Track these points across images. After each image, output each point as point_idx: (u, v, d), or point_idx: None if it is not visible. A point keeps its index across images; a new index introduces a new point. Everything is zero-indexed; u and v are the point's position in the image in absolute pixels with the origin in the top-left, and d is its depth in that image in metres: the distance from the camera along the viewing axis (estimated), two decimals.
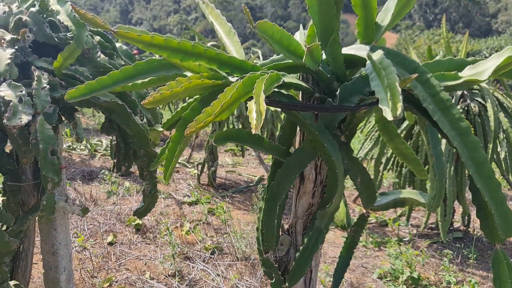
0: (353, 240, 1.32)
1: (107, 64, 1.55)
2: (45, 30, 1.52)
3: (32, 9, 1.53)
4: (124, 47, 1.81)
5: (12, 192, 1.70)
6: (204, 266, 2.76)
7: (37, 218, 1.81)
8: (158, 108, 2.24)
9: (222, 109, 0.97)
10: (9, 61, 1.36)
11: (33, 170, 1.78)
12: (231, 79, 1.17)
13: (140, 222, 3.36)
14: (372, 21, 1.07)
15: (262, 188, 3.31)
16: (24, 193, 1.77)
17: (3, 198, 1.75)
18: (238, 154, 6.55)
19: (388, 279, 2.83)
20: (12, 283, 1.78)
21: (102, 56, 1.58)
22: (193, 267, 2.75)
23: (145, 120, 1.80)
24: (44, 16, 1.56)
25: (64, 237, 2.00)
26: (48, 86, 1.40)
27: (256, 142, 1.19)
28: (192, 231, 3.34)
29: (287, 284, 1.29)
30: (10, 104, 1.27)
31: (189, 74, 1.28)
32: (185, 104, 1.39)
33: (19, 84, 1.33)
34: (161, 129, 1.77)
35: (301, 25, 1.44)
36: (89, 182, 4.48)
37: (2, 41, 1.42)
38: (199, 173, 4.76)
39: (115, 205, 3.80)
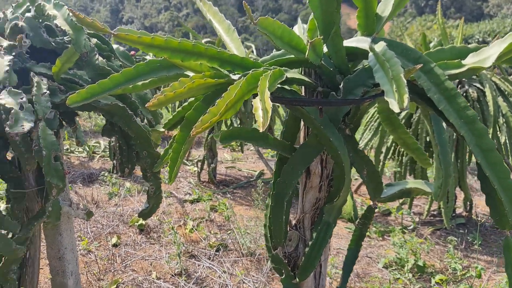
0: (361, 232, 1.33)
1: (106, 67, 1.54)
2: (41, 35, 1.50)
3: (28, 14, 1.52)
4: (122, 48, 1.80)
5: (16, 199, 1.69)
6: (209, 264, 2.77)
7: (42, 224, 1.81)
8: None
9: (227, 108, 0.96)
10: (7, 68, 1.35)
11: (36, 176, 1.78)
12: (233, 77, 1.16)
13: (144, 222, 3.36)
14: (372, 12, 1.06)
15: (262, 183, 3.32)
16: (28, 199, 1.76)
17: (7, 205, 1.74)
18: (237, 149, 6.55)
19: (393, 268, 2.85)
20: None
21: (100, 58, 1.57)
22: (198, 265, 2.76)
23: (145, 121, 1.80)
24: (40, 21, 1.55)
25: (69, 242, 2.00)
26: (48, 91, 1.39)
27: (261, 139, 1.18)
28: (196, 229, 3.34)
29: (297, 279, 1.29)
30: (12, 111, 1.26)
31: (190, 74, 1.27)
32: (186, 103, 1.39)
33: (19, 91, 1.32)
34: (162, 129, 1.77)
35: (299, 19, 1.43)
36: (89, 184, 4.47)
37: (1, 48, 1.41)
38: (199, 170, 4.76)
39: (117, 207, 3.80)
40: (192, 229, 3.33)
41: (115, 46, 1.77)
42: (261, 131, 0.78)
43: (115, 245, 3.04)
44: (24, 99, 1.32)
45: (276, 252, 1.29)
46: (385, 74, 0.89)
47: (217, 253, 2.92)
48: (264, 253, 2.87)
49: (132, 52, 3.84)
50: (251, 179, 4.87)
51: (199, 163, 4.75)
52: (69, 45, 1.52)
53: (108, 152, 5.71)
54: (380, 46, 0.97)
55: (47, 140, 1.34)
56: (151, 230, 3.31)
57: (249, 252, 2.85)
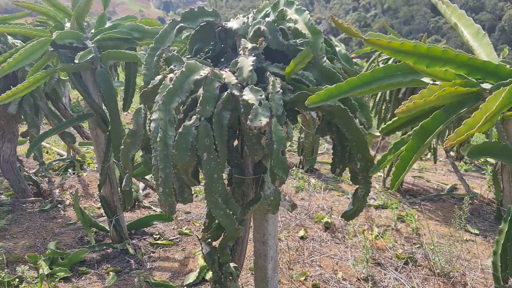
0: None
1: (331, 69, 1.59)
2: (278, 38, 1.64)
3: (268, 19, 1.67)
4: (343, 51, 1.84)
5: (237, 183, 1.89)
6: (397, 275, 2.65)
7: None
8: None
9: (485, 121, 0.89)
10: (251, 67, 1.50)
11: (254, 166, 1.96)
12: (484, 86, 1.07)
13: (329, 220, 3.42)
14: None
15: (469, 201, 3.02)
16: (245, 185, 1.96)
17: (228, 188, 1.96)
18: (424, 159, 6.13)
19: None
20: (232, 265, 2.00)
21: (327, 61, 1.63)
22: (385, 274, 2.67)
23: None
24: (276, 24, 1.69)
25: (273, 229, 2.16)
26: (281, 90, 1.51)
27: None
28: (382, 236, 3.25)
29: None
30: (253, 107, 1.40)
31: (426, 80, 1.22)
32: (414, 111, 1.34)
33: (259, 89, 1.46)
34: (378, 133, 1.74)
35: None
36: None
37: (245, 49, 1.58)
38: (384, 176, 4.61)
39: (304, 201, 3.95)
40: (378, 235, 3.25)
41: (337, 48, 1.82)
42: None
43: (302, 238, 3.17)
44: (263, 96, 1.46)
45: (509, 286, 1.16)
46: None
47: (405, 266, 2.78)
48: (459, 276, 2.62)
49: (353, 55, 3.92)
50: (441, 193, 4.50)
51: (385, 169, 4.60)
52: (301, 48, 1.63)
53: (295, 147, 5.99)
54: None
55: (278, 135, 1.45)
56: (336, 229, 3.35)
57: (443, 272, 2.63)
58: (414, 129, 1.37)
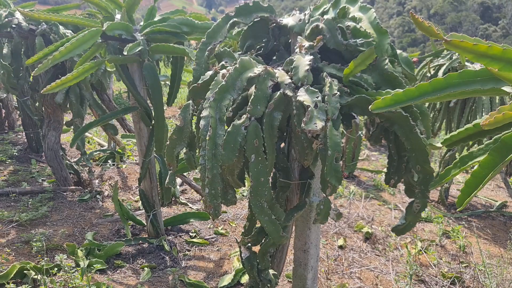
0: None
1: (393, 73, 1.48)
2: (337, 37, 1.54)
3: (327, 16, 1.58)
4: (404, 53, 1.72)
5: (282, 188, 1.80)
6: None
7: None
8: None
9: None
10: (308, 67, 1.42)
11: (300, 170, 1.87)
12: None
13: (370, 231, 3.28)
14: None
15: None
16: (290, 190, 1.87)
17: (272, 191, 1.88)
18: (471, 171, 5.83)
19: None
20: (271, 271, 1.92)
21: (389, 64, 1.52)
22: None
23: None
24: (335, 22, 1.59)
25: (315, 237, 2.06)
26: (338, 93, 1.41)
27: None
28: (425, 252, 3.08)
29: None
30: (308, 109, 1.31)
31: (508, 89, 1.10)
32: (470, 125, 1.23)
33: (316, 90, 1.37)
34: (439, 145, 1.62)
35: None
36: None
37: (302, 47, 1.50)
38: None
39: (343, 208, 3.82)
40: (421, 250, 3.09)
41: (398, 51, 1.70)
42: None
43: (341, 247, 3.05)
44: (319, 98, 1.36)
45: None
46: None
47: (452, 287, 2.61)
48: None
49: (415, 59, 3.76)
50: (490, 210, 4.25)
51: None
52: (361, 48, 1.52)
53: None
54: None
55: (333, 141, 1.35)
56: (376, 240, 3.21)
57: None
58: (486, 142, 1.25)
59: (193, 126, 1.58)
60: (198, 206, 3.61)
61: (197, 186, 3.73)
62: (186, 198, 3.77)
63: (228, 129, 1.36)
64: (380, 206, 4.07)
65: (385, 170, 5.22)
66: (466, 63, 3.72)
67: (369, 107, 1.16)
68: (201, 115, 1.33)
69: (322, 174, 1.48)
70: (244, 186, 1.63)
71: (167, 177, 1.69)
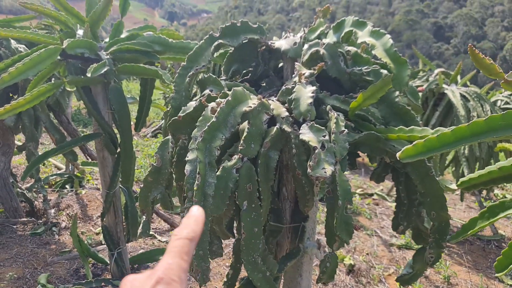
0: None
1: (405, 106, 1.30)
2: (339, 64, 1.34)
3: (327, 40, 1.38)
4: (409, 83, 1.55)
5: (272, 232, 1.57)
6: None
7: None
8: None
9: None
10: (311, 100, 1.21)
11: (292, 212, 1.65)
12: None
13: (352, 262, 3.09)
14: None
15: (496, 244, 2.69)
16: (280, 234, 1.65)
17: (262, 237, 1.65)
18: (448, 192, 5.82)
19: None
20: None
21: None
22: None
23: None
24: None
25: (307, 284, 1.84)
26: (346, 130, 1.21)
27: None
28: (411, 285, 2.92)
29: None
30: (315, 152, 1.10)
31: None
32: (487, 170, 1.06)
33: (322, 128, 1.16)
34: (455, 187, 1.45)
35: None
36: None
37: (302, 76, 1.29)
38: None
39: (321, 235, 3.63)
40: None
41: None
42: None
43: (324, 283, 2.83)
44: (326, 137, 1.16)
45: None
46: None
47: None
48: None
49: (420, 88, 3.64)
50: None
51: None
52: (368, 78, 1.34)
53: None
54: None
55: (343, 188, 1.14)
56: (360, 273, 3.02)
57: None
58: None
59: (172, 166, 1.33)
60: (167, 237, 3.30)
61: (165, 215, 3.44)
62: (153, 229, 3.46)
63: (218, 173, 1.13)
64: (358, 232, 3.91)
65: (359, 191, 5.03)
66: (444, 85, 3.66)
67: (398, 154, 0.96)
68: (187, 159, 1.09)
69: (328, 225, 1.27)
70: (234, 237, 1.39)
71: (140, 226, 1.42)
